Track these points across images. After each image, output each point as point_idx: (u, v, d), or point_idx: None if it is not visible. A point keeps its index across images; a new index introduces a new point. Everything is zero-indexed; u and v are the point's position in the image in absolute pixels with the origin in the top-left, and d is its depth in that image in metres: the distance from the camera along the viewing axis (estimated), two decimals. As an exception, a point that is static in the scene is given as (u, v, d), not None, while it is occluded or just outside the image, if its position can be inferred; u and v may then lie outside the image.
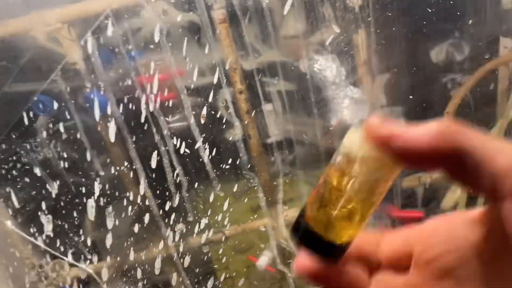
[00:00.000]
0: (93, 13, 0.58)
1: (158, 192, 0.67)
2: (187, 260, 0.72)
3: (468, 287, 0.22)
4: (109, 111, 0.61)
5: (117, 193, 0.67)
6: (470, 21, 0.58)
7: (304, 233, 0.22)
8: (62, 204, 0.66)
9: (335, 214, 0.22)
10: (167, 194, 0.67)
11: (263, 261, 0.76)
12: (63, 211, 0.67)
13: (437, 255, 0.22)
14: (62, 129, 0.62)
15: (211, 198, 0.69)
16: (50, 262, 0.71)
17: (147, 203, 0.68)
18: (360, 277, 0.25)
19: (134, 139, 0.63)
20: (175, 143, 0.64)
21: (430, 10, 0.57)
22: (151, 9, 0.58)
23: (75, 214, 0.67)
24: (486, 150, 0.18)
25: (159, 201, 0.68)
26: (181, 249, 0.71)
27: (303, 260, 0.22)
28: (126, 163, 0.65)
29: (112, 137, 0.63)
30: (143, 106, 0.61)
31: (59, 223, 0.68)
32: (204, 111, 0.63)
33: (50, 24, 0.63)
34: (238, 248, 0.76)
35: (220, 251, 0.75)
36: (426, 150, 0.19)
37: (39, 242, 0.69)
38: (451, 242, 0.22)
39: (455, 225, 0.23)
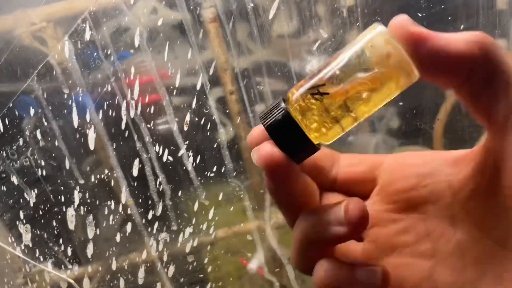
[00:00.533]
0: (79, 11, 0.56)
1: (140, 200, 0.65)
2: (171, 269, 0.70)
3: (434, 224, 0.21)
4: (88, 117, 0.59)
5: (97, 202, 0.64)
6: (462, 26, 0.56)
7: (281, 119, 0.20)
8: (40, 213, 0.64)
9: (325, 108, 0.19)
10: (149, 202, 0.65)
11: (254, 264, 0.75)
12: (42, 220, 0.65)
13: (409, 187, 0.21)
14: (39, 136, 0.60)
15: (196, 207, 0.67)
16: (30, 270, 0.68)
17: (129, 211, 0.65)
18: (314, 189, 0.23)
19: (114, 146, 0.61)
20: (157, 150, 0.62)
21: (420, 15, 0.55)
22: (139, 7, 0.56)
23: (54, 223, 0.65)
24: None
25: (142, 209, 0.66)
26: (165, 258, 0.69)
27: (270, 148, 0.20)
28: (106, 171, 0.63)
29: (91, 144, 0.61)
30: (123, 112, 0.59)
31: (38, 232, 0.65)
32: (188, 118, 0.61)
33: (35, 23, 0.61)
34: (229, 250, 0.74)
35: (209, 255, 0.73)
36: (457, 54, 0.17)
37: (18, 252, 0.67)
38: (428, 177, 0.21)
39: (435, 161, 0.22)
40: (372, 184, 0.23)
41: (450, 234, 0.20)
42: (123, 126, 0.60)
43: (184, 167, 0.64)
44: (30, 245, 0.66)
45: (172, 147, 0.62)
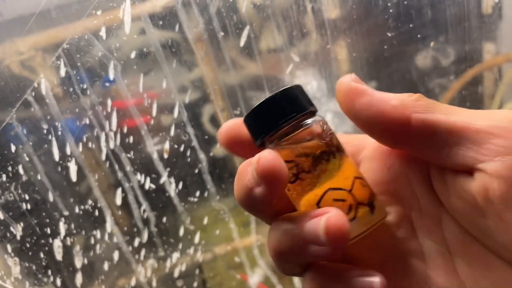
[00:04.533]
0: (67, 38, 0.57)
1: (126, 228, 0.66)
2: (161, 294, 0.70)
3: (420, 220, 0.21)
4: (68, 151, 0.60)
5: (83, 232, 0.65)
6: (432, 43, 0.57)
7: None
8: (28, 245, 0.65)
9: None
10: (135, 230, 0.66)
11: (255, 279, 0.75)
12: (30, 253, 0.65)
13: (390, 178, 0.22)
14: (21, 171, 0.60)
15: (181, 232, 0.67)
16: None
17: (115, 240, 0.66)
18: None
19: (96, 177, 0.62)
20: (139, 179, 0.63)
21: (389, 34, 0.55)
22: (128, 29, 0.56)
23: (42, 255, 0.66)
24: (460, 119, 0.17)
25: (128, 237, 0.66)
26: (154, 284, 0.69)
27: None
28: (90, 202, 0.63)
29: (73, 177, 0.61)
30: (103, 143, 0.60)
31: (27, 264, 0.66)
32: (167, 145, 0.62)
33: (23, 52, 0.62)
34: (229, 266, 0.74)
35: (198, 279, 0.73)
36: (392, 111, 0.18)
37: (8, 285, 0.67)
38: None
39: None
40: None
41: (438, 234, 0.20)
42: (103, 157, 0.60)
43: (167, 194, 0.64)
44: (20, 278, 0.67)
45: (153, 175, 0.63)
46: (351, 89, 0.19)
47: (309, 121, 0.21)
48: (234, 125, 0.22)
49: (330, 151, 0.20)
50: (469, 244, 0.19)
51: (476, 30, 0.59)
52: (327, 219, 0.18)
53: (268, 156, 0.18)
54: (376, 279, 0.19)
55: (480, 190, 0.17)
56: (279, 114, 0.20)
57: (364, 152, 0.23)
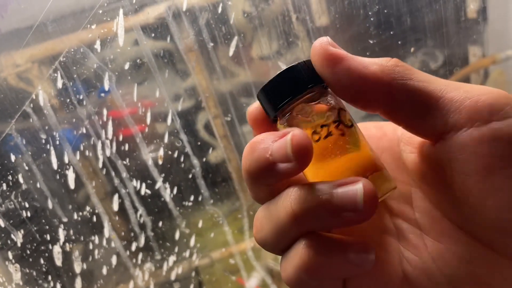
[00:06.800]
0: (61, 51, 0.59)
1: (123, 233, 0.68)
2: (159, 297, 0.72)
3: (393, 202, 0.23)
4: (66, 159, 0.62)
5: (82, 238, 0.67)
6: (412, 49, 0.59)
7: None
8: (28, 252, 0.67)
9: None
10: (132, 235, 0.68)
11: (252, 282, 0.77)
12: (30, 259, 0.67)
13: None
14: (21, 180, 0.63)
15: (177, 236, 0.69)
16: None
17: (113, 245, 0.68)
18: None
19: (94, 184, 0.64)
20: (135, 185, 0.65)
21: (371, 41, 0.58)
22: (122, 41, 0.59)
23: (42, 261, 0.67)
24: (436, 87, 0.18)
25: (125, 242, 0.68)
26: (151, 287, 0.71)
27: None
28: (88, 208, 0.66)
29: (72, 184, 0.63)
30: (99, 151, 0.62)
31: (27, 271, 0.68)
32: (161, 152, 0.64)
33: (20, 65, 0.65)
34: (225, 269, 0.76)
35: (194, 281, 0.75)
36: (371, 76, 0.19)
37: (9, 291, 0.69)
38: (387, 150, 0.24)
39: (395, 133, 0.24)
40: None
41: (410, 213, 0.22)
42: (100, 165, 0.63)
43: (163, 199, 0.67)
44: (21, 284, 0.69)
45: (149, 181, 0.65)
46: (330, 54, 0.19)
47: (319, 94, 0.21)
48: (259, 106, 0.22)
49: (340, 124, 0.21)
50: (438, 221, 0.20)
51: (462, 34, 0.62)
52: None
53: (301, 135, 0.18)
54: (371, 257, 0.19)
55: (446, 159, 0.18)
56: (296, 84, 0.20)
57: None
